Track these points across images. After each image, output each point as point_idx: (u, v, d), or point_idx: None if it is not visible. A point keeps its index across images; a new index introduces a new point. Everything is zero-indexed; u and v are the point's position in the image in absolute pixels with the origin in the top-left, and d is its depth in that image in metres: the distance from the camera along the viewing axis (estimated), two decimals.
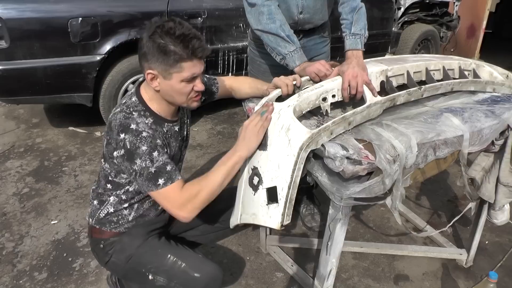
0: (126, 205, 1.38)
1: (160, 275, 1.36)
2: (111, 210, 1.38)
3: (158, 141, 1.24)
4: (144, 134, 1.21)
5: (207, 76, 1.53)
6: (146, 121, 1.26)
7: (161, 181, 1.21)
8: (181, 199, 1.22)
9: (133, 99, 1.30)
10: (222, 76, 1.91)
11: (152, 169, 1.20)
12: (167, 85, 1.23)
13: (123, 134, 1.20)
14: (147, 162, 1.20)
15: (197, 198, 1.22)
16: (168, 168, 1.22)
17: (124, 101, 1.31)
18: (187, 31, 1.16)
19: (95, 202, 1.41)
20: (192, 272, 1.32)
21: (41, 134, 3.23)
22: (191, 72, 1.20)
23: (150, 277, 1.36)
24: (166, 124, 1.34)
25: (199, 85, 1.25)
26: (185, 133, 1.48)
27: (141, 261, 1.38)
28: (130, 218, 1.39)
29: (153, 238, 1.43)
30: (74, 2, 2.66)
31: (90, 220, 1.42)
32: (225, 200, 1.40)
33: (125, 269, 1.41)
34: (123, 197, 1.36)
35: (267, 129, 1.24)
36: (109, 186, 1.35)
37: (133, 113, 1.25)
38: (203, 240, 1.71)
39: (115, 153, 1.22)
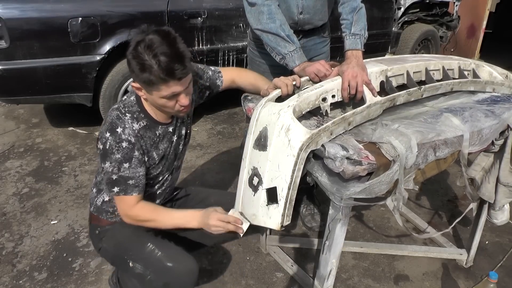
0: None
1: (139, 262, 1.40)
2: (106, 198, 1.43)
3: (136, 153, 1.28)
4: (124, 144, 1.25)
5: (212, 68, 1.55)
6: (135, 127, 1.28)
7: (115, 189, 1.29)
8: (129, 213, 1.33)
9: (132, 98, 1.32)
10: None
11: (114, 176, 1.27)
12: (150, 98, 1.25)
13: (109, 133, 1.25)
14: (114, 169, 1.26)
15: (143, 223, 1.35)
16: (130, 182, 1.29)
17: (125, 97, 1.34)
18: (168, 50, 1.12)
19: (94, 190, 1.47)
20: (166, 261, 1.35)
21: (41, 134, 3.23)
22: (169, 92, 1.19)
23: (130, 264, 1.41)
24: (160, 127, 1.36)
25: (182, 101, 1.24)
26: (183, 131, 1.49)
27: (125, 248, 1.43)
28: None
29: (143, 229, 1.46)
30: (74, 2, 2.66)
31: (90, 206, 1.48)
32: (225, 205, 1.43)
33: (113, 255, 1.48)
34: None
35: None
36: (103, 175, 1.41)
37: (127, 114, 1.29)
38: (202, 240, 1.71)
39: (98, 144, 1.29)
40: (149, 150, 1.34)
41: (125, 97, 1.35)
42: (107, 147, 1.25)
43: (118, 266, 1.53)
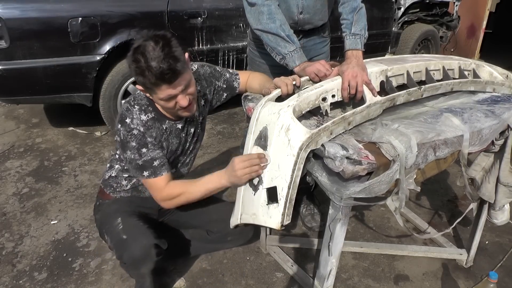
0: (126, 175, 1.52)
1: (108, 235, 1.48)
2: (114, 174, 1.55)
3: (149, 139, 1.35)
4: (135, 132, 1.32)
5: (230, 71, 1.61)
6: (143, 118, 1.35)
7: (146, 173, 1.37)
8: (162, 194, 1.39)
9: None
10: None
11: (140, 162, 1.36)
12: (153, 98, 1.30)
13: (120, 125, 1.34)
14: (135, 156, 1.34)
15: (176, 199, 1.39)
16: (155, 163, 1.35)
17: (138, 91, 1.40)
18: (159, 55, 1.16)
19: (108, 165, 1.59)
20: (122, 234, 1.41)
21: (41, 134, 3.23)
22: (165, 94, 1.23)
23: (106, 236, 1.50)
24: (167, 121, 1.41)
25: (181, 102, 1.27)
26: (192, 130, 1.53)
27: (105, 221, 1.51)
28: (127, 188, 1.54)
29: (126, 208, 1.52)
30: (74, 2, 2.66)
31: (101, 179, 1.62)
32: (219, 220, 1.54)
33: (98, 228, 1.59)
34: (126, 168, 1.50)
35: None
36: (117, 156, 1.54)
37: (135, 106, 1.36)
38: (192, 243, 1.80)
39: (115, 136, 1.38)
40: (160, 140, 1.40)
41: (138, 91, 1.40)
42: (122, 138, 1.34)
43: (102, 238, 1.61)
